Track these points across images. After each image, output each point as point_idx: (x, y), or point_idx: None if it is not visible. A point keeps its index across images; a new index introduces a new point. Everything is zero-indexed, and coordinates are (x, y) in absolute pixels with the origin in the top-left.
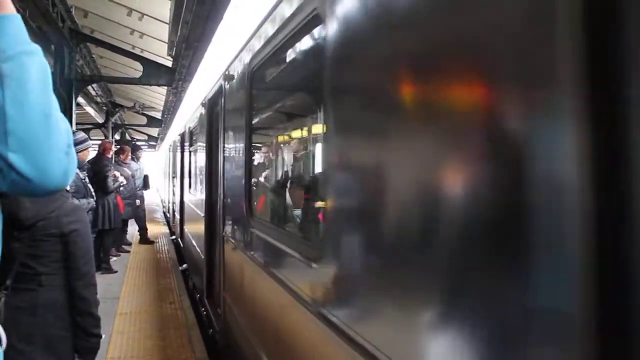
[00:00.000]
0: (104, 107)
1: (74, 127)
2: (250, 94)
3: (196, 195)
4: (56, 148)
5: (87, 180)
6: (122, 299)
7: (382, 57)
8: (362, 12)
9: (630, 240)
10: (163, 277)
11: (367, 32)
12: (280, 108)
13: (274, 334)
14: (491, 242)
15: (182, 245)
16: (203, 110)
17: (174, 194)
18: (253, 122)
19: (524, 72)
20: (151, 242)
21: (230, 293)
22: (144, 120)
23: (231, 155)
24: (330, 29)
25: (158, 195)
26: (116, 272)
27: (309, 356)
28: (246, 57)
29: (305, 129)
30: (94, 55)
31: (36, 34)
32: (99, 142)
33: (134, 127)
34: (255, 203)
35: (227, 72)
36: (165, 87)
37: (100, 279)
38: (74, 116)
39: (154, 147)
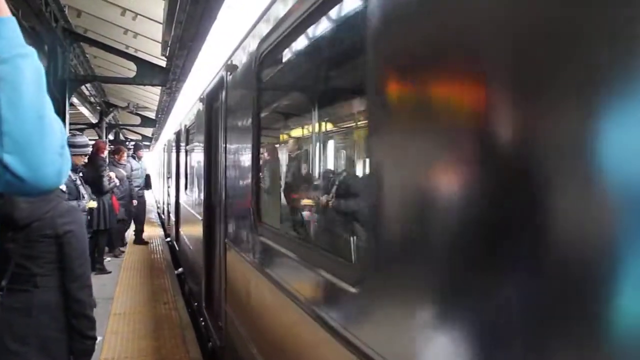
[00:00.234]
0: (98, 107)
1: (68, 127)
2: (258, 84)
3: (193, 197)
4: (50, 149)
5: (79, 182)
6: (116, 299)
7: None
8: None
9: None
10: (157, 278)
11: None
12: (299, 97)
13: None
14: None
15: (177, 248)
16: (201, 106)
17: (168, 194)
18: (262, 115)
19: None
20: (145, 243)
21: (234, 307)
22: (138, 120)
23: (235, 154)
24: None
25: (153, 196)
26: (110, 272)
27: None
28: (252, 44)
29: (338, 120)
30: (87, 55)
31: (29, 34)
32: (93, 142)
33: (127, 127)
34: (264, 208)
35: (229, 62)
36: (159, 87)
37: (94, 280)
38: (67, 116)
39: (148, 147)
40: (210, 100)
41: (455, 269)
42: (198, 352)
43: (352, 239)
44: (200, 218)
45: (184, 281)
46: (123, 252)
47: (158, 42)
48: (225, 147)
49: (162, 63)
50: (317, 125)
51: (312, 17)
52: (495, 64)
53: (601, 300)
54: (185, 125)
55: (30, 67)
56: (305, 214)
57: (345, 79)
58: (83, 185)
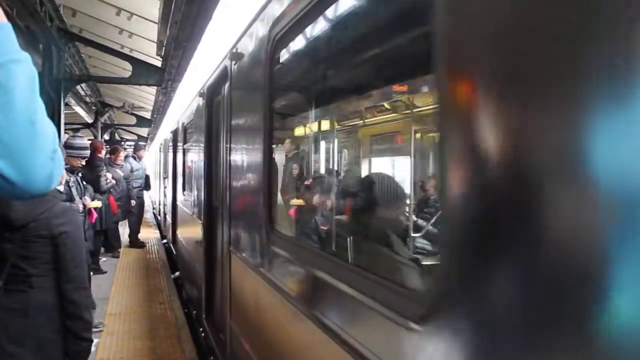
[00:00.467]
0: (93, 107)
1: (63, 127)
2: (271, 72)
3: (191, 198)
4: (41, 153)
5: (73, 184)
6: (112, 299)
7: None
8: None
9: None
10: (153, 278)
11: None
12: (328, 84)
13: None
14: None
15: (174, 251)
16: (201, 101)
17: (165, 195)
18: (276, 107)
19: None
20: (141, 246)
21: (240, 322)
22: (134, 120)
23: (241, 152)
24: None
25: (148, 196)
26: (105, 272)
27: None
28: (263, 26)
29: (387, 109)
30: (82, 55)
31: (24, 33)
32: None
33: (123, 127)
34: (279, 214)
35: (234, 50)
36: (155, 87)
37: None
38: (62, 116)
39: (143, 147)
40: (212, 94)
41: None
42: (194, 352)
43: (412, 258)
44: (199, 221)
45: (182, 285)
46: (119, 252)
47: (153, 42)
48: (230, 144)
49: (158, 63)
50: (359, 113)
51: None
52: None
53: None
54: (183, 123)
55: (24, 72)
56: (336, 223)
57: (392, 58)
58: (81, 186)
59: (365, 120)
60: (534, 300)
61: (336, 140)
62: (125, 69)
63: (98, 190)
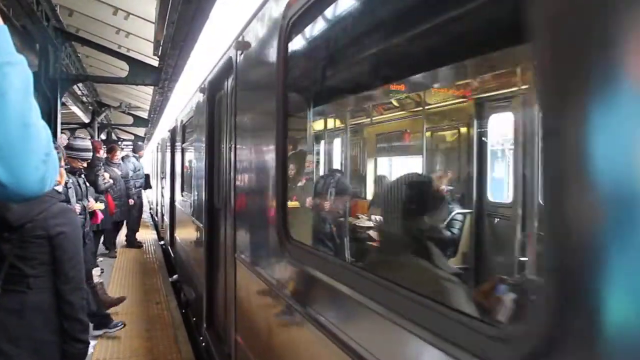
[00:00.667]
0: (90, 107)
1: (59, 127)
2: (285, 61)
3: (191, 200)
4: (34, 156)
5: (76, 185)
6: None
7: None
8: None
9: None
10: (149, 278)
11: None
12: (356, 72)
13: None
14: None
15: (172, 254)
16: (202, 97)
17: (162, 196)
18: (292, 100)
19: None
20: (139, 246)
21: (248, 339)
22: (131, 120)
23: (249, 151)
24: None
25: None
26: (102, 272)
27: None
28: (275, 10)
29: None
30: (79, 55)
31: (20, 33)
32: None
33: (120, 127)
34: (296, 222)
35: (240, 39)
36: (152, 87)
37: None
38: (59, 116)
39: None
40: (214, 89)
41: None
42: (190, 352)
43: (497, 282)
44: (200, 224)
45: (180, 289)
46: (116, 252)
47: (150, 41)
48: (235, 143)
49: (155, 62)
50: (398, 105)
51: None
52: None
53: None
54: (182, 121)
55: (19, 75)
56: (373, 233)
57: (445, 40)
58: (82, 188)
59: (421, 109)
60: None
61: (374, 138)
62: (122, 69)
63: (96, 189)
